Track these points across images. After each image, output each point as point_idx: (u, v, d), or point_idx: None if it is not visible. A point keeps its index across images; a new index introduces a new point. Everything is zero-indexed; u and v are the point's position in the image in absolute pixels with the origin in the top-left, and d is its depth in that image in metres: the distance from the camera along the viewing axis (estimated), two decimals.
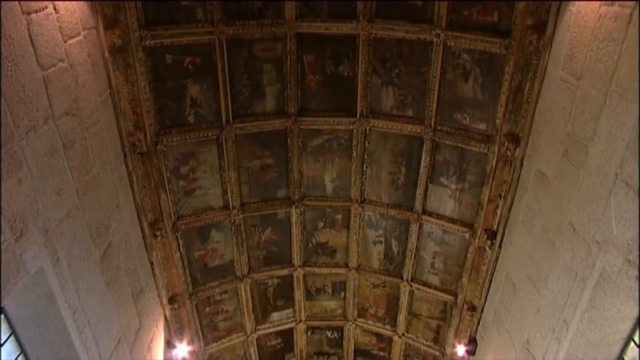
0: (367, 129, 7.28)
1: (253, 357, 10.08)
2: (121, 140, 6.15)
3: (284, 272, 9.01)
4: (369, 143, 7.43)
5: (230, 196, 7.59)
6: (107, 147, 5.81)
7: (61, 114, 4.68)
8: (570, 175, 4.93)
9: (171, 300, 7.94)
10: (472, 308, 7.90)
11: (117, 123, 6.03)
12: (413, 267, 8.35)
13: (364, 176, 7.77)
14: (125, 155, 6.27)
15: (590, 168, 4.53)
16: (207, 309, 8.84)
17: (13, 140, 3.87)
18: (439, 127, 6.80)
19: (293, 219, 8.29)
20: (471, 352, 8.14)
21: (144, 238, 6.94)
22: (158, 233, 7.09)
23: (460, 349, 8.25)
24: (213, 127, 6.94)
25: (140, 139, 6.29)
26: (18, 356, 4.99)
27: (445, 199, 7.40)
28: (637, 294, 3.86)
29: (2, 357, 4.71)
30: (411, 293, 8.75)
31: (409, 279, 8.52)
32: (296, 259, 8.83)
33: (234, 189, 7.57)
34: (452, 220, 7.45)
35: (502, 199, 6.59)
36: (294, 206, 8.09)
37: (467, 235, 7.32)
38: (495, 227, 6.87)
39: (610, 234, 4.20)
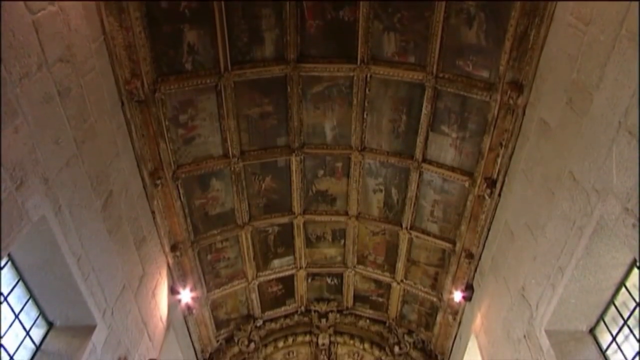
0: (368, 75, 7.13)
1: (255, 303, 10.37)
2: (118, 88, 6.04)
3: (284, 219, 9.10)
4: (369, 90, 7.30)
5: (230, 144, 7.55)
6: (104, 95, 5.71)
7: (54, 60, 4.57)
8: (573, 123, 4.88)
9: (173, 248, 8.07)
10: (470, 256, 8.03)
11: (113, 70, 5.89)
12: (412, 215, 8.43)
13: (365, 124, 7.69)
14: (122, 104, 6.17)
15: (593, 116, 4.47)
16: (209, 257, 9.00)
17: (6, 87, 3.79)
18: (440, 75, 6.65)
19: (293, 167, 8.28)
20: (468, 298, 8.35)
21: (144, 187, 6.96)
22: (158, 182, 7.11)
23: (457, 295, 8.46)
24: (211, 74, 6.79)
25: (137, 87, 6.17)
26: (27, 301, 5.15)
27: (445, 147, 7.35)
28: (633, 241, 3.90)
29: (13, 302, 4.86)
30: (410, 241, 8.87)
31: (408, 227, 8.61)
32: (296, 206, 8.89)
33: (234, 137, 7.51)
34: (452, 169, 7.44)
35: (503, 148, 6.55)
36: (294, 154, 8.06)
37: (466, 184, 7.34)
38: (495, 176, 6.87)
39: (610, 182, 4.20)
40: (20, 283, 5.03)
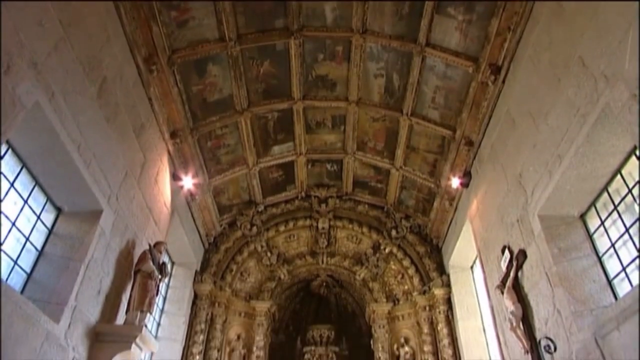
0: None
1: (256, 188, 10.62)
2: None
3: (283, 105, 8.96)
4: None
5: (226, 27, 7.18)
6: None
7: None
8: (588, 5, 4.59)
9: (173, 135, 8.06)
10: (470, 143, 8.04)
11: None
12: (413, 102, 8.29)
13: (366, 5, 7.25)
14: None
15: None
16: (209, 144, 9.01)
17: None
18: None
19: (292, 51, 7.96)
20: (465, 185, 8.52)
21: (139, 74, 6.75)
22: (154, 68, 6.88)
23: (455, 182, 8.62)
24: None
25: None
26: (34, 187, 5.26)
27: (450, 31, 6.99)
28: (635, 128, 3.87)
29: (19, 188, 4.96)
30: (410, 127, 8.83)
31: (409, 113, 8.52)
32: (296, 92, 8.70)
33: (230, 19, 7.12)
34: (456, 54, 7.15)
35: (510, 32, 6.23)
36: (292, 37, 7.69)
37: (470, 70, 7.10)
38: (500, 62, 6.62)
39: (621, 68, 4.06)
40: (25, 170, 5.10)
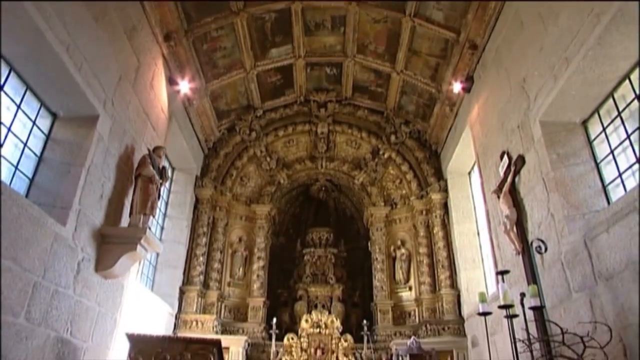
0: None
1: (254, 93, 10.42)
2: None
3: (281, 5, 8.50)
4: None
5: None
6: None
7: None
8: None
9: (167, 37, 7.73)
10: (474, 46, 7.76)
11: None
12: (417, 2, 7.87)
13: None
14: None
15: None
16: (205, 46, 8.69)
17: None
18: None
19: None
20: (467, 90, 8.35)
21: None
22: None
23: (457, 87, 8.44)
24: None
25: None
26: (25, 91, 5.14)
27: None
28: None
29: (10, 92, 4.85)
30: (413, 29, 8.46)
31: (412, 14, 8.12)
32: None
33: None
34: None
35: None
36: None
37: None
38: None
39: None
40: (14, 75, 4.95)
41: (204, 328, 8.92)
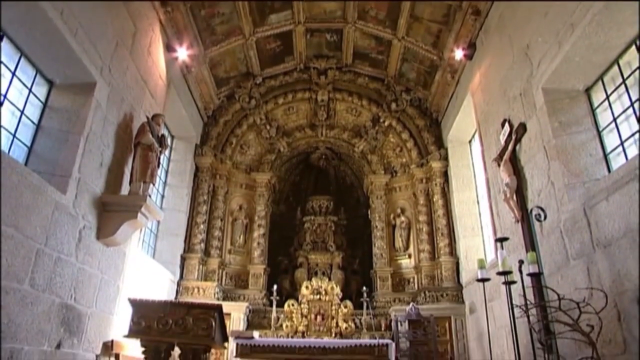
0: None
1: (253, 60, 10.27)
2: None
3: None
4: None
5: None
6: None
7: None
8: None
9: (163, 2, 7.56)
10: (477, 12, 7.60)
11: None
12: None
13: None
14: None
15: None
16: (203, 12, 8.50)
17: None
18: None
19: None
20: (469, 57, 8.23)
21: None
22: None
23: (459, 53, 8.31)
24: None
25: None
26: (20, 57, 5.06)
27: None
28: None
29: (3, 58, 4.77)
30: None
31: None
32: None
33: None
34: None
35: None
36: None
37: None
38: None
39: None
40: (7, 41, 4.86)
41: (205, 295, 9.05)
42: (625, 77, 4.86)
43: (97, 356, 5.75)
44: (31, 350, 4.48)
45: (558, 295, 4.48)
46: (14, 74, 4.95)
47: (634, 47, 4.72)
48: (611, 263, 4.27)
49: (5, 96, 4.79)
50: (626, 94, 4.83)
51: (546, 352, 4.91)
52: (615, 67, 5.01)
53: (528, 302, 4.90)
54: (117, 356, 6.07)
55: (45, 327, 4.72)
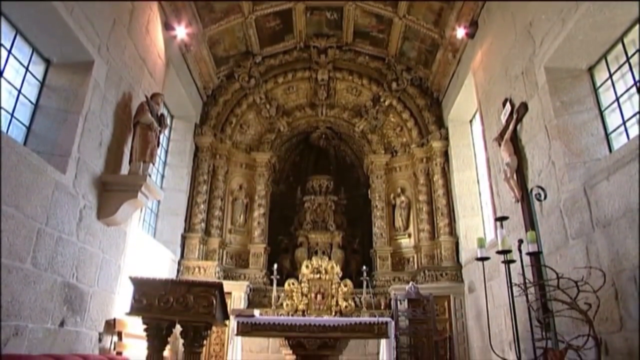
0: None
1: (253, 39, 10.15)
2: None
3: None
4: None
5: None
6: None
7: None
8: None
9: None
10: None
11: None
12: None
13: None
14: None
15: None
16: None
17: None
18: None
19: None
20: (470, 35, 8.13)
21: None
22: None
23: (460, 32, 8.21)
24: None
25: None
26: (15, 35, 4.99)
27: None
28: None
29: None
30: None
31: None
32: None
33: None
34: None
35: None
36: None
37: None
38: None
39: None
40: (3, 19, 4.78)
41: (206, 274, 9.12)
42: (629, 55, 4.81)
43: (100, 334, 5.82)
44: (35, 327, 4.53)
45: (557, 274, 4.50)
46: (9, 52, 4.89)
47: (639, 25, 4.66)
48: (610, 242, 4.29)
49: (1, 74, 4.74)
50: (629, 73, 4.78)
51: (544, 330, 4.96)
52: (620, 46, 4.95)
53: (527, 281, 4.93)
54: (119, 334, 6.15)
55: (49, 306, 4.77)
